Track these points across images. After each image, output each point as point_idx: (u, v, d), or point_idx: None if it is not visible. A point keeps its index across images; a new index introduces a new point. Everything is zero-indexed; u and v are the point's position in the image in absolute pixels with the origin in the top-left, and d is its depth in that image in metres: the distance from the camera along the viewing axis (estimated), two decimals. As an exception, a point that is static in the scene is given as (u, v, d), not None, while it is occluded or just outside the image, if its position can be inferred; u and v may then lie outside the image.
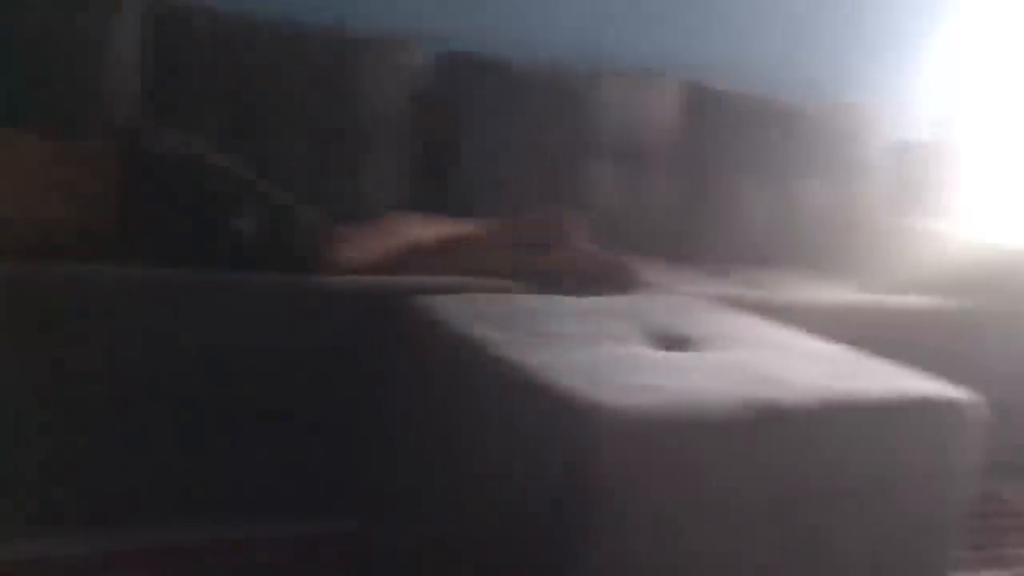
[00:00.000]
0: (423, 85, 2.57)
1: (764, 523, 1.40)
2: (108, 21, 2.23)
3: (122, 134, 2.03)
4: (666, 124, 2.77)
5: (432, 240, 2.15)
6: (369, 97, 2.45)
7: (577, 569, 1.29)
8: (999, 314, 2.49)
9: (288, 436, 1.93)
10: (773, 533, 1.41)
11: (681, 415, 1.34)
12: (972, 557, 2.05)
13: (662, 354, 1.61)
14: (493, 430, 1.50)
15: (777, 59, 3.08)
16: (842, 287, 2.58)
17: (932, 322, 2.44)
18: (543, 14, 2.81)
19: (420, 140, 2.52)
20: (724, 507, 1.37)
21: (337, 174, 2.42)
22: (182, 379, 1.83)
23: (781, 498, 1.40)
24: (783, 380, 1.47)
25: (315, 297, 1.92)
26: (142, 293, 1.79)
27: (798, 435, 1.41)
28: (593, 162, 2.68)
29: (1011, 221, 2.96)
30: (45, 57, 2.17)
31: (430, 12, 2.68)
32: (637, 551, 1.32)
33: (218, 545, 1.82)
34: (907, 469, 1.49)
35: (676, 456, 1.33)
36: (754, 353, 1.63)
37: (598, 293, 2.01)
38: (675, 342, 1.69)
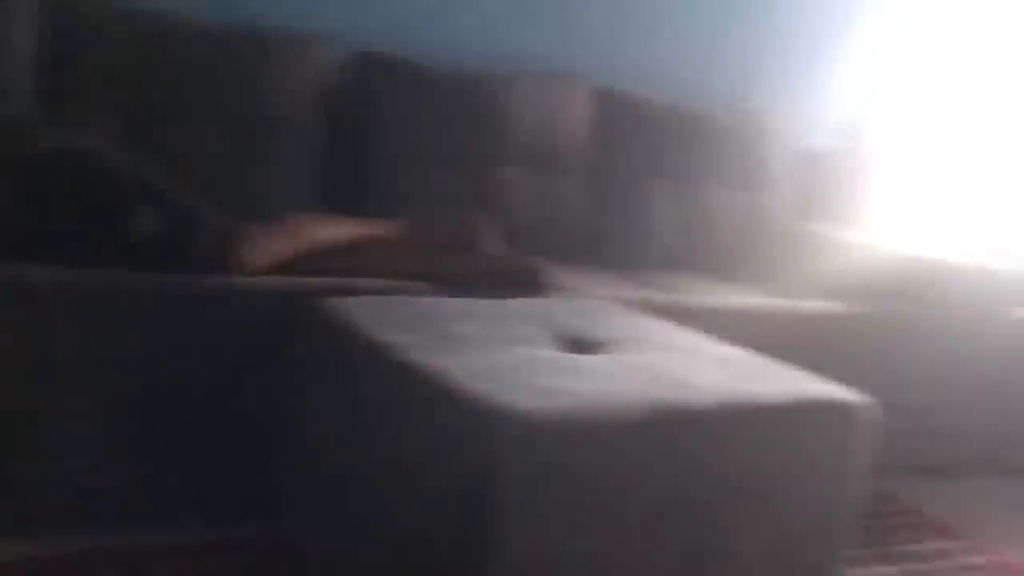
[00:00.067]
0: (334, 84, 2.54)
1: (670, 523, 1.42)
2: (1, 12, 2.15)
3: (13, 130, 1.95)
4: (578, 129, 2.79)
5: (341, 241, 2.13)
6: (278, 96, 2.41)
7: (488, 571, 1.29)
8: (898, 319, 2.57)
9: (194, 440, 1.89)
10: (678, 532, 1.44)
11: (588, 418, 1.36)
12: (864, 554, 2.11)
13: (571, 357, 1.63)
14: (403, 434, 1.49)
15: (686, 68, 3.13)
16: (748, 292, 2.63)
17: (834, 326, 2.51)
18: (456, 16, 2.81)
19: (330, 140, 2.49)
20: (632, 508, 1.39)
21: (244, 173, 2.37)
22: (83, 385, 1.78)
23: (686, 498, 1.43)
24: (688, 383, 1.50)
25: (219, 299, 1.88)
26: (36, 294, 1.73)
27: (702, 437, 1.44)
28: (505, 165, 2.68)
29: (913, 228, 3.07)
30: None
31: (342, 11, 2.65)
32: (547, 552, 1.33)
33: (129, 552, 1.78)
34: (805, 470, 1.54)
35: (584, 458, 1.34)
36: (661, 356, 1.66)
37: (509, 296, 2.01)
38: (584, 345, 1.70)
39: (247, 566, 1.80)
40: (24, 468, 1.76)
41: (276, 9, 2.55)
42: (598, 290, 2.28)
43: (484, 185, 2.63)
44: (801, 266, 2.78)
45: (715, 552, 1.47)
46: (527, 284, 2.15)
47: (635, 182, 2.87)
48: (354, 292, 1.87)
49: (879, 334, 2.54)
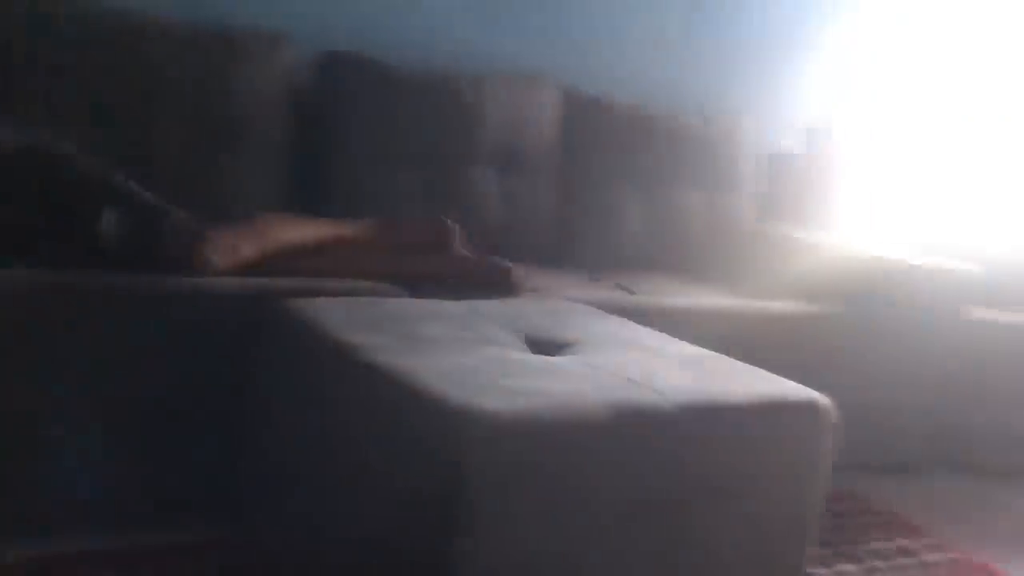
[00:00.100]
0: (301, 84, 2.53)
1: (638, 523, 1.43)
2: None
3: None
4: (546, 129, 2.80)
5: (308, 241, 2.11)
6: (245, 95, 2.39)
7: (457, 573, 1.29)
8: (863, 319, 2.60)
9: (157, 442, 1.87)
10: (646, 532, 1.44)
11: (556, 419, 1.36)
12: (828, 553, 2.14)
13: (539, 358, 1.63)
14: (371, 435, 1.49)
15: (654, 69, 3.15)
16: (715, 292, 2.65)
17: (800, 327, 2.53)
18: (425, 16, 2.80)
19: (297, 140, 2.48)
20: (600, 508, 1.40)
21: (210, 173, 2.35)
22: (45, 385, 1.76)
23: (653, 498, 1.44)
24: (656, 384, 1.51)
25: (186, 299, 1.86)
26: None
27: (669, 437, 1.45)
28: (473, 165, 2.68)
29: (877, 229, 3.11)
30: None
31: (310, 11, 2.64)
32: (515, 553, 1.33)
33: (87, 556, 1.77)
34: (771, 469, 1.55)
35: (552, 459, 1.35)
36: (629, 357, 1.67)
37: (479, 297, 2.01)
38: (552, 346, 1.71)
39: (220, 568, 1.80)
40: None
41: (244, 8, 2.53)
42: (566, 291, 2.28)
43: (452, 185, 2.63)
44: (768, 267, 2.81)
45: (683, 551, 1.49)
46: (498, 285, 2.16)
47: (603, 183, 2.88)
48: (321, 293, 1.86)
49: (844, 334, 2.57)
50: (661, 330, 1.90)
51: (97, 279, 1.80)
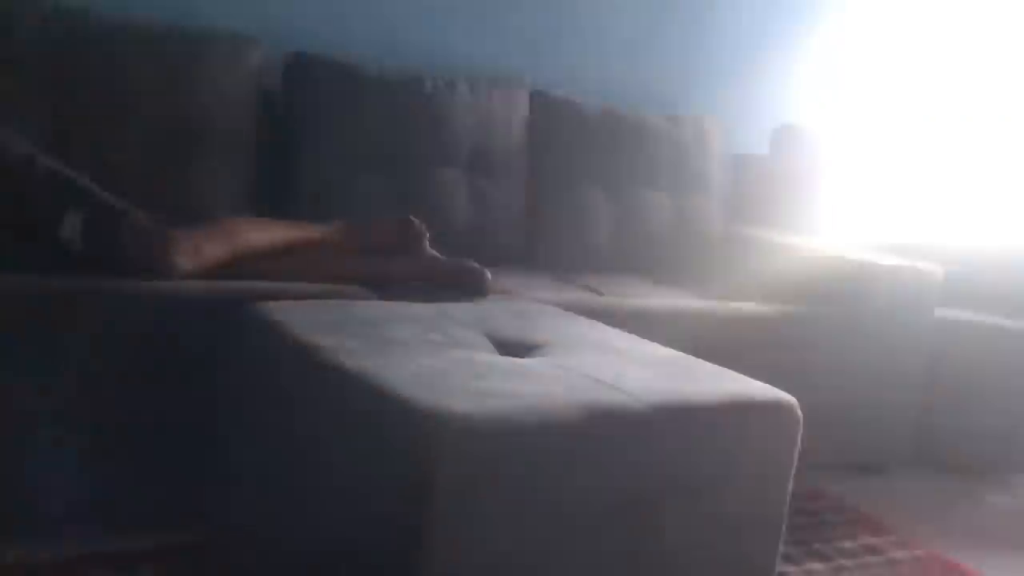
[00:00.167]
0: (268, 85, 2.51)
1: (605, 523, 1.43)
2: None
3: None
4: (514, 131, 2.80)
5: (277, 243, 2.10)
6: (211, 95, 2.37)
7: (423, 573, 1.28)
8: (828, 319, 2.63)
9: (124, 447, 1.85)
10: (613, 533, 1.44)
11: (525, 421, 1.36)
12: (797, 551, 2.15)
13: (507, 360, 1.63)
14: (338, 438, 1.48)
15: (623, 71, 3.16)
16: (682, 294, 2.67)
17: (767, 327, 2.55)
18: (393, 17, 2.80)
19: (264, 141, 2.46)
20: (567, 509, 1.39)
21: (176, 174, 2.33)
22: (11, 392, 1.73)
23: (622, 499, 1.44)
24: (624, 385, 1.51)
25: (148, 303, 1.84)
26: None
27: (637, 438, 1.45)
28: (441, 167, 2.68)
29: (845, 231, 3.13)
30: None
31: (278, 12, 2.63)
32: (484, 555, 1.33)
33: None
34: (739, 469, 1.56)
35: (521, 461, 1.34)
36: (597, 358, 1.67)
37: (446, 299, 2.00)
38: (519, 348, 1.70)
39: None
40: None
41: (211, 9, 2.51)
42: (534, 292, 2.28)
43: (420, 186, 2.62)
44: (736, 268, 2.83)
45: (652, 552, 1.49)
46: (467, 287, 2.15)
47: (572, 184, 2.88)
48: (289, 295, 1.85)
49: (812, 335, 2.59)
50: (630, 331, 1.91)
51: (59, 283, 1.78)
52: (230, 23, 2.47)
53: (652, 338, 1.86)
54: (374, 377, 1.41)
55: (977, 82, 3.63)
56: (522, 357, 1.66)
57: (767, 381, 1.62)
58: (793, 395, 1.59)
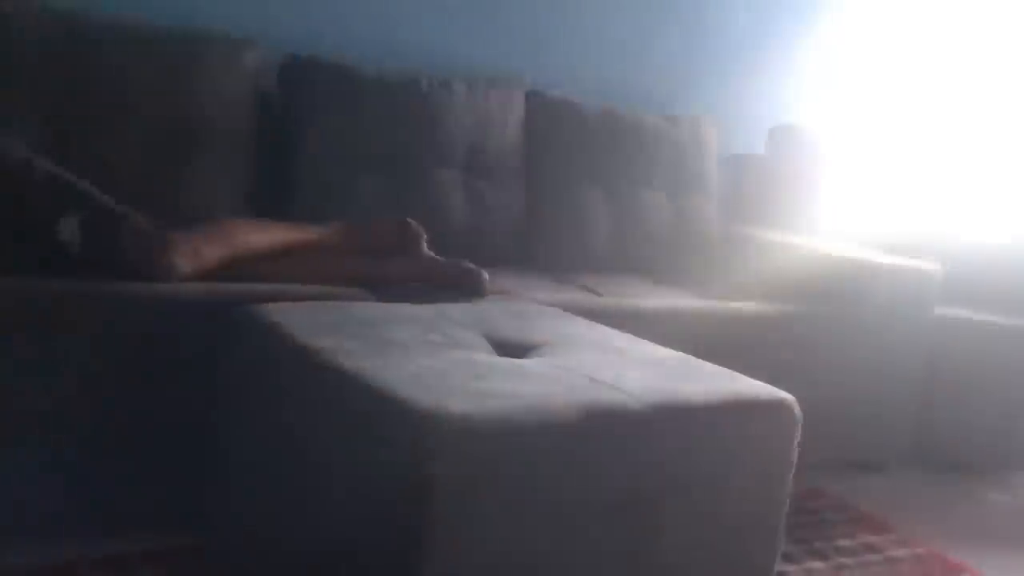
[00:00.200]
0: (265, 87, 2.51)
1: (604, 523, 1.43)
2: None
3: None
4: (511, 131, 2.80)
5: (275, 245, 2.10)
6: (208, 97, 2.37)
7: (422, 573, 1.28)
8: (828, 318, 2.63)
9: (123, 447, 1.85)
10: (614, 533, 1.44)
11: (524, 421, 1.36)
12: (796, 549, 2.15)
13: (505, 360, 1.63)
14: (336, 439, 1.48)
15: (620, 71, 3.16)
16: (680, 293, 2.66)
17: (765, 326, 2.55)
18: (390, 18, 2.80)
19: (262, 143, 2.46)
20: (566, 509, 1.40)
21: (174, 177, 2.33)
22: (10, 396, 1.73)
23: (619, 498, 1.44)
24: (622, 384, 1.51)
25: (148, 305, 1.84)
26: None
27: (636, 438, 1.45)
28: (438, 168, 2.67)
29: (842, 230, 3.13)
30: None
31: (274, 13, 2.62)
32: (483, 555, 1.33)
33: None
34: (739, 468, 1.56)
35: (519, 461, 1.35)
36: (596, 358, 1.67)
37: (444, 300, 2.00)
38: (518, 348, 1.70)
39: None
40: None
41: (208, 10, 2.51)
42: (532, 293, 2.28)
43: (418, 187, 2.62)
44: (734, 268, 2.83)
45: (652, 551, 1.49)
46: (465, 287, 2.15)
47: (569, 185, 2.88)
48: (287, 297, 1.85)
49: (810, 334, 2.59)
50: (629, 332, 1.91)
51: (59, 285, 1.78)
52: (227, 25, 2.47)
53: (651, 338, 1.87)
54: (373, 378, 1.42)
55: (976, 81, 3.64)
56: (521, 358, 1.66)
57: (767, 380, 1.62)
58: (792, 394, 1.59)
